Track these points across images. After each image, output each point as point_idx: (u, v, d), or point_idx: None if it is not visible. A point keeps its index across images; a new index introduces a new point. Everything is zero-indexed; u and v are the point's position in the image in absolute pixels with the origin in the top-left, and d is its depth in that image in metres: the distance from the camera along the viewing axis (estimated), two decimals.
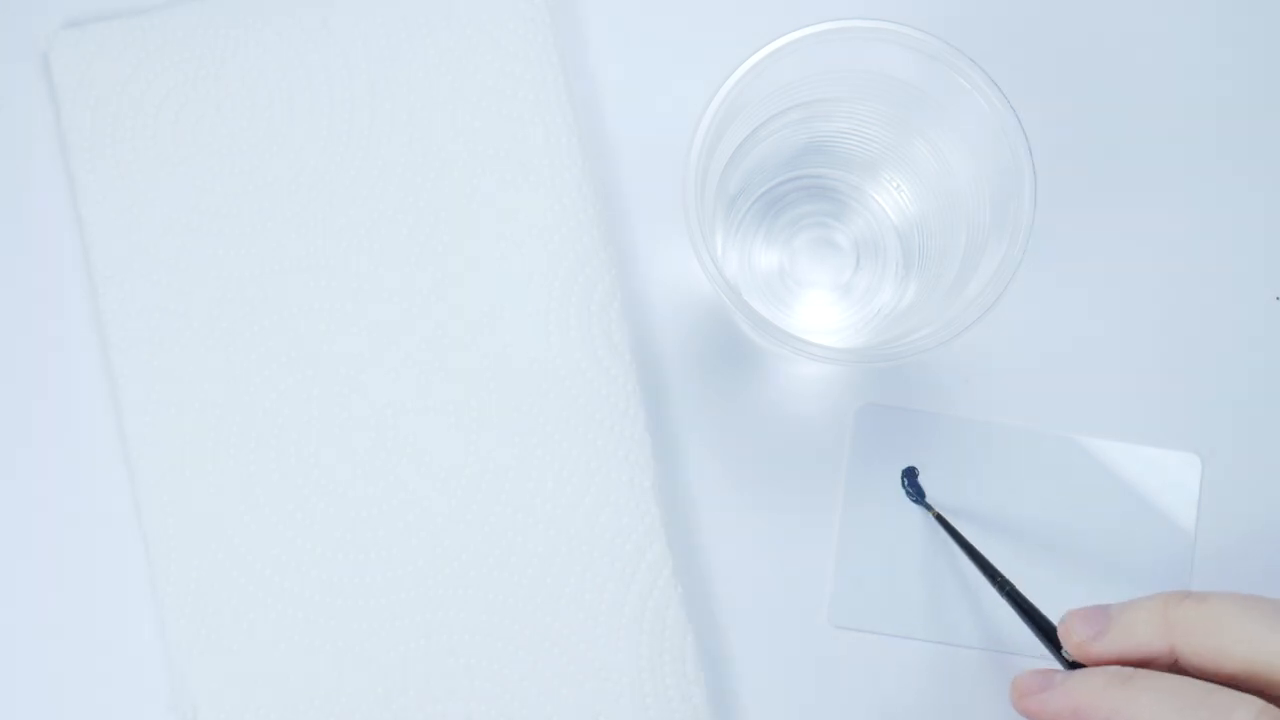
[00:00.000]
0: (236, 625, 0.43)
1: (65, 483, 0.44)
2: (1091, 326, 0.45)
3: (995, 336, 0.44)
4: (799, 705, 0.44)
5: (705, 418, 0.45)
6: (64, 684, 0.44)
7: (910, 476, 0.44)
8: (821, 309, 0.45)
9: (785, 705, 0.44)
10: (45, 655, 0.44)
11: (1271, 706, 0.29)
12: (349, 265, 0.44)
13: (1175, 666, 0.32)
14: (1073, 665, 0.34)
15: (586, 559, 0.43)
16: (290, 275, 0.44)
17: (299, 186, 0.44)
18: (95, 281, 0.44)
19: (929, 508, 0.43)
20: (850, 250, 0.45)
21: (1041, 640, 0.36)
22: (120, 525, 0.44)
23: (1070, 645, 0.34)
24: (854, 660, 0.44)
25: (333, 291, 0.44)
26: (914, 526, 0.44)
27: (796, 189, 0.45)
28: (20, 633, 0.44)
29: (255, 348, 0.44)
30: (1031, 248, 0.36)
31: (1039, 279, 0.45)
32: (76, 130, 0.45)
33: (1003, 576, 0.39)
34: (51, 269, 0.45)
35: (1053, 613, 0.36)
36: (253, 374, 0.44)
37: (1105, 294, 0.45)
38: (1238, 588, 0.43)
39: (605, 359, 0.43)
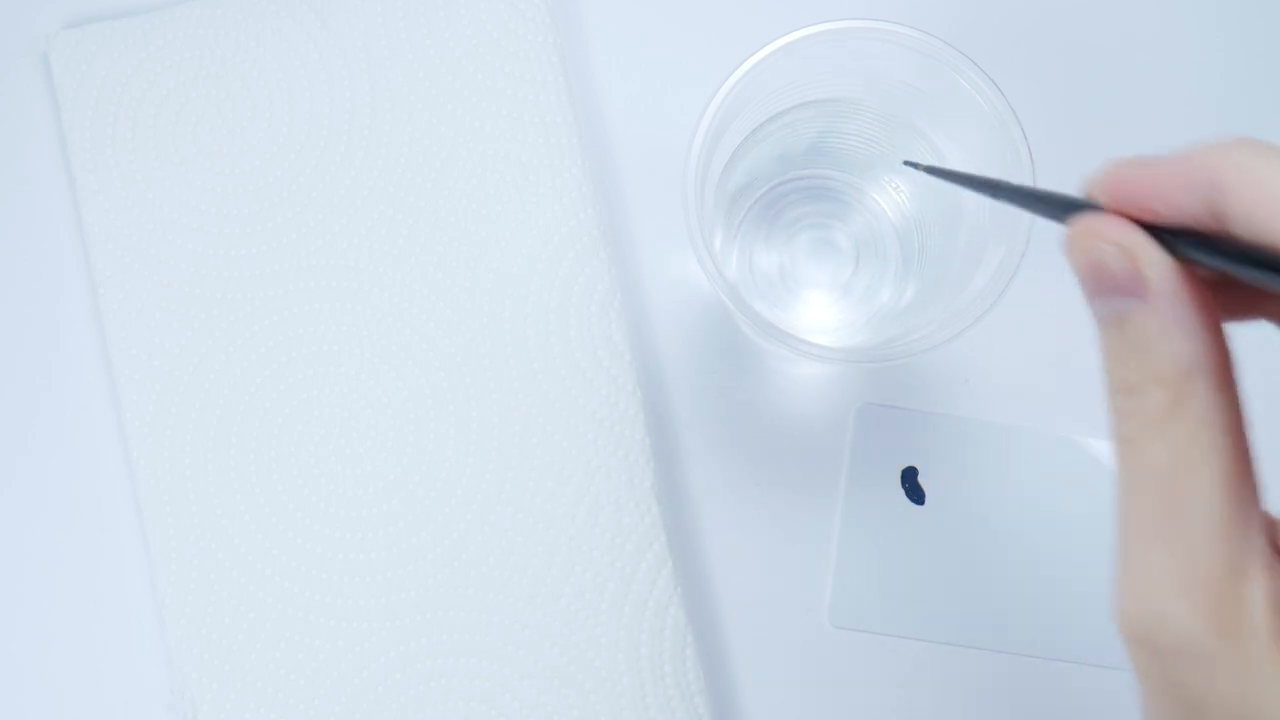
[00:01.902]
0: (236, 625, 0.43)
1: (65, 483, 0.44)
2: (1091, 326, 0.45)
3: (995, 336, 0.44)
4: (799, 705, 0.43)
5: (705, 418, 0.45)
6: (64, 684, 0.44)
7: (910, 477, 0.44)
8: (821, 309, 0.45)
9: (785, 705, 0.43)
10: (45, 655, 0.44)
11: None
12: (349, 265, 0.44)
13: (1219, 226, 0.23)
14: None
15: (586, 559, 0.43)
16: (290, 275, 0.44)
17: (299, 186, 0.44)
18: (95, 281, 0.44)
19: (917, 166, 0.35)
20: (850, 250, 0.45)
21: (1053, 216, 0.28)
22: (120, 525, 0.44)
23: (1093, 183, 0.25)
24: (854, 660, 0.44)
25: (333, 291, 0.44)
26: (914, 526, 0.44)
27: (796, 189, 0.45)
28: (20, 633, 0.44)
29: (255, 348, 0.44)
30: (1031, 247, 0.36)
31: (1039, 279, 0.45)
32: (76, 130, 0.45)
33: (1000, 181, 0.30)
34: (51, 269, 0.45)
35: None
36: (253, 374, 0.44)
37: None
38: None
39: (605, 359, 0.43)
